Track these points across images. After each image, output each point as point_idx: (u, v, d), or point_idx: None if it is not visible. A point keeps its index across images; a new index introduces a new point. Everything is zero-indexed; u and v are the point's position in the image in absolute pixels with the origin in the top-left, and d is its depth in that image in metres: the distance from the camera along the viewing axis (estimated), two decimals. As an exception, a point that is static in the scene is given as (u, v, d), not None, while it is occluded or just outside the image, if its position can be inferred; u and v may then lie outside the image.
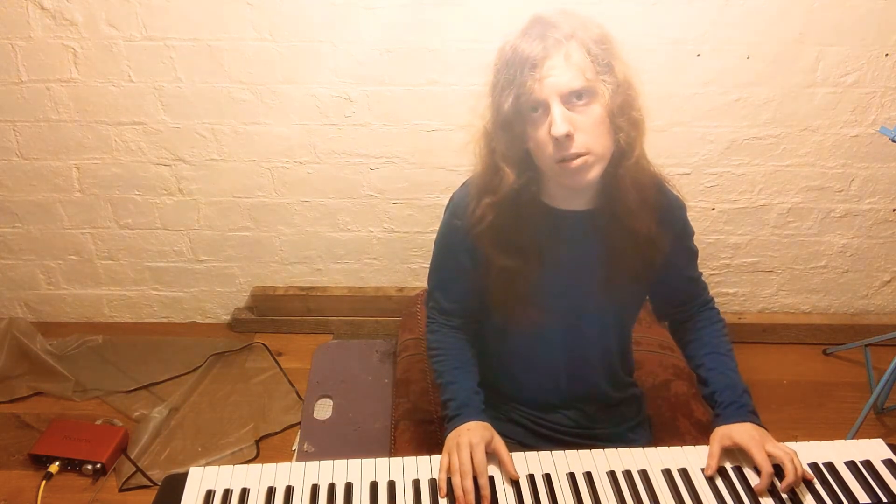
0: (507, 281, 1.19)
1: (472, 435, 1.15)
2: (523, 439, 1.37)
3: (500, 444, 1.17)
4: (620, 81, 1.04)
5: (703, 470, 1.16)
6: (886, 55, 2.02)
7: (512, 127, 1.07)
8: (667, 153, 2.18)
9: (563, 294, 1.24)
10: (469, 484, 1.10)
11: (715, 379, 1.28)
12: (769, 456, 1.13)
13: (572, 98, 1.02)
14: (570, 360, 1.32)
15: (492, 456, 1.17)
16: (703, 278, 1.40)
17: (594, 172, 1.07)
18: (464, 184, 1.26)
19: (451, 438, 1.18)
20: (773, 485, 1.12)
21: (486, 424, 1.20)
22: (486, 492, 1.10)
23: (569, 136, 1.02)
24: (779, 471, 1.13)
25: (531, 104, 1.04)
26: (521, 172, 1.12)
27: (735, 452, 1.19)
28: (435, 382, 1.32)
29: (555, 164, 1.06)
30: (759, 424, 1.19)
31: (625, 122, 1.07)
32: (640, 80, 1.09)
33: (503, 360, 1.36)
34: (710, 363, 1.30)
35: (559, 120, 1.01)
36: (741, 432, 1.17)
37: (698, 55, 2.03)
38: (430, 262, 1.35)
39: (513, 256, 1.17)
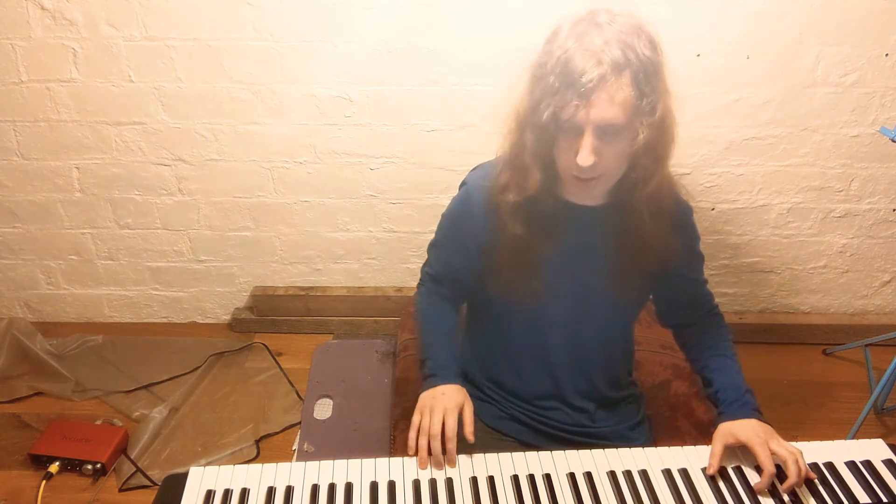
0: (517, 249, 1.21)
1: (446, 400, 1.20)
2: (524, 437, 1.37)
3: (468, 407, 1.22)
4: (656, 121, 1.05)
5: (704, 469, 1.15)
6: (886, 55, 2.02)
7: (545, 131, 1.09)
8: (667, 153, 2.18)
9: (570, 280, 1.25)
10: (437, 445, 1.14)
11: (718, 379, 1.28)
12: (773, 454, 1.12)
13: (605, 130, 1.04)
14: (571, 352, 1.32)
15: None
16: (708, 286, 1.40)
17: (602, 188, 1.15)
18: (477, 167, 1.30)
19: (426, 398, 1.22)
20: (773, 484, 1.12)
21: (460, 387, 1.23)
22: (452, 456, 1.14)
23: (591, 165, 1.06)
24: (781, 470, 1.12)
25: (566, 122, 1.04)
26: (546, 171, 1.14)
27: (737, 451, 1.18)
28: (416, 343, 1.35)
29: (570, 175, 1.11)
30: (763, 421, 1.19)
31: (649, 159, 1.09)
32: (679, 107, 1.10)
33: (505, 349, 1.36)
34: (714, 364, 1.31)
35: (586, 152, 1.04)
36: (745, 429, 1.16)
37: (698, 55, 2.02)
38: (435, 232, 1.37)
39: (526, 227, 1.19)
